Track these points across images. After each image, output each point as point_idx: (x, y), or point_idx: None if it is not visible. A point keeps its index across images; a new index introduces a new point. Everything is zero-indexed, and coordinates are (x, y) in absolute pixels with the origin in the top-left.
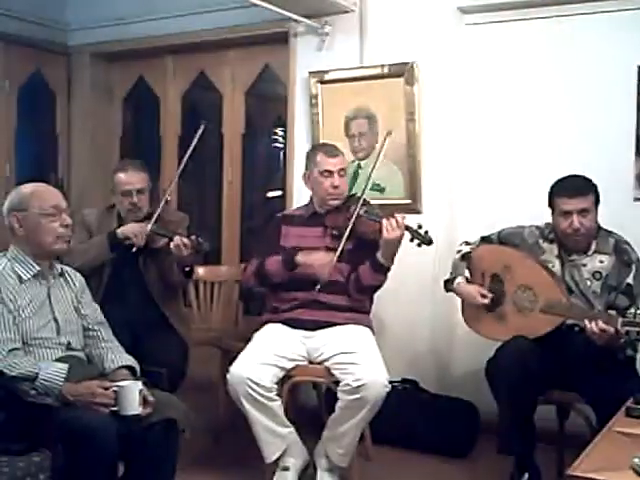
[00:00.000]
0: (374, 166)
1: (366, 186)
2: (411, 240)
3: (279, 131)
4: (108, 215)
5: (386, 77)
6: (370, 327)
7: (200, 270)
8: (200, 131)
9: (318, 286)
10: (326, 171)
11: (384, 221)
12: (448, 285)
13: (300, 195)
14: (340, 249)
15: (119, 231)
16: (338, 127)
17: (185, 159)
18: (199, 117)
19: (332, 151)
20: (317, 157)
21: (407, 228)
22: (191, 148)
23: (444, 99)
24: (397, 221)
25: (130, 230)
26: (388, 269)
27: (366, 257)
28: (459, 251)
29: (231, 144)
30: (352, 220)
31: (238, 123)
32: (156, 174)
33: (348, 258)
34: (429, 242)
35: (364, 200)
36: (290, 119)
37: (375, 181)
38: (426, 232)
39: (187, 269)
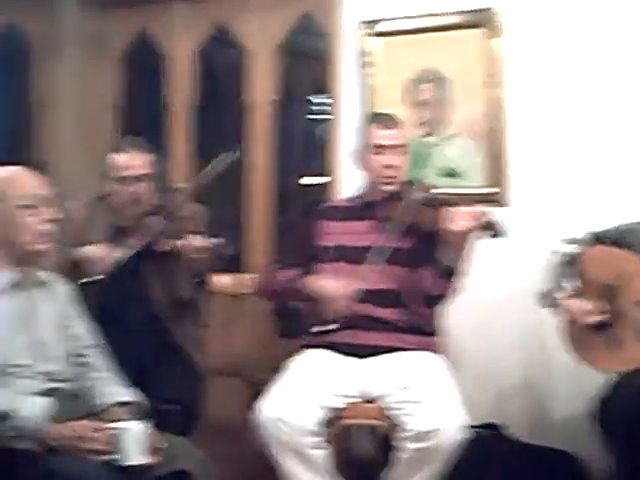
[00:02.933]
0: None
1: (425, 169)
2: (483, 229)
3: (320, 99)
4: (99, 208)
5: (460, 28)
6: (442, 354)
7: (219, 280)
8: (228, 161)
9: (332, 325)
10: (377, 146)
11: (443, 210)
12: (544, 299)
13: (349, 181)
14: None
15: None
16: (397, 94)
17: (200, 181)
18: (217, 81)
19: (387, 122)
20: (369, 129)
21: (476, 217)
22: (210, 175)
23: (535, 56)
24: (460, 210)
25: (91, 254)
26: (455, 272)
27: (427, 256)
28: (558, 252)
29: (259, 116)
30: (404, 209)
31: (267, 89)
32: (162, 155)
33: (405, 259)
34: (501, 231)
35: (423, 185)
36: (335, 84)
37: (446, 164)
38: (497, 220)
39: (199, 280)
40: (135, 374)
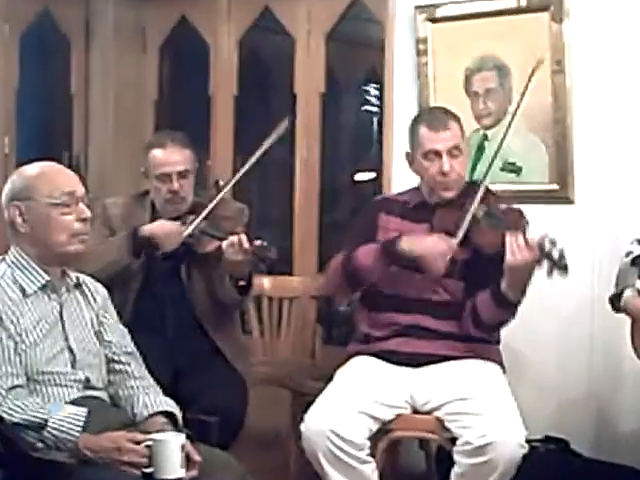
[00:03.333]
0: (504, 137)
1: (489, 168)
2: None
3: (373, 89)
4: (138, 206)
5: (524, 12)
6: (499, 363)
7: (263, 283)
8: (281, 129)
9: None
10: (431, 152)
11: (508, 237)
12: (613, 301)
13: (402, 177)
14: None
15: (144, 228)
16: (456, 83)
17: (253, 160)
18: (263, 71)
19: (439, 121)
20: (419, 131)
21: (540, 248)
22: (264, 148)
23: (605, 41)
24: (526, 238)
25: (159, 230)
26: (517, 304)
27: (487, 275)
28: (629, 253)
29: (306, 108)
30: (465, 223)
31: (316, 79)
32: (204, 150)
33: (461, 272)
34: (564, 268)
35: (486, 191)
36: (388, 73)
37: (508, 159)
38: (562, 255)
39: (242, 283)
40: (173, 382)
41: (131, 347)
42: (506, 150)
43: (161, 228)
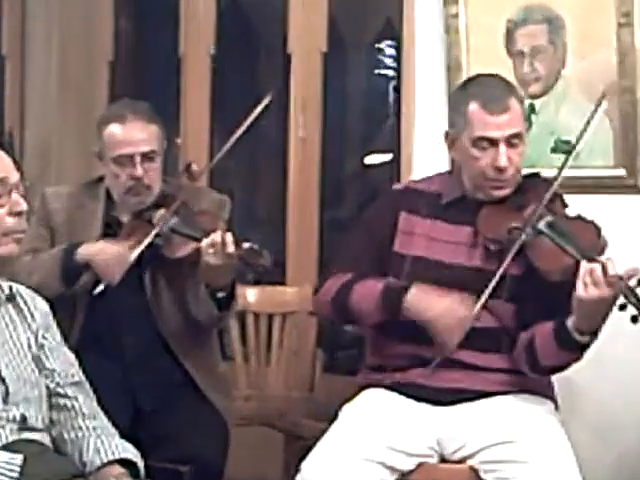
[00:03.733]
0: (575, 145)
1: (563, 166)
2: (620, 307)
3: (388, 48)
4: (88, 197)
5: None
6: (550, 397)
7: (248, 295)
8: (263, 104)
9: (433, 363)
10: (484, 139)
11: (583, 264)
12: None
13: (426, 160)
14: (495, 280)
15: (81, 253)
16: (494, 40)
17: (235, 136)
18: (247, 24)
19: (497, 100)
20: (468, 108)
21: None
22: (246, 124)
23: None
24: (605, 270)
25: (99, 256)
26: (587, 347)
27: (546, 300)
28: None
29: (304, 72)
30: (522, 237)
31: (316, 35)
32: (173, 126)
33: (512, 291)
34: None
35: (554, 196)
36: (408, 27)
37: (560, 136)
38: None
39: (222, 295)
40: (133, 422)
41: (79, 376)
42: (558, 125)
43: (102, 253)
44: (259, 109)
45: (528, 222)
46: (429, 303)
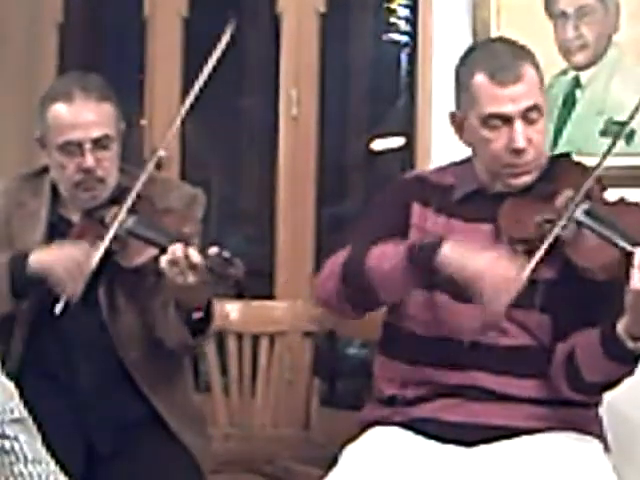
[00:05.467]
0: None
1: (610, 148)
2: None
3: (400, 8)
4: (30, 192)
5: None
6: (599, 436)
7: (229, 311)
8: (228, 34)
9: (473, 335)
10: (495, 117)
11: (636, 255)
12: None
13: (445, 146)
14: (548, 243)
15: (33, 261)
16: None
17: (198, 86)
18: None
19: (507, 67)
20: (474, 81)
21: None
22: (210, 66)
23: None
24: None
25: (56, 262)
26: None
27: (588, 308)
28: None
29: (297, 37)
30: (554, 230)
31: None
32: (135, 104)
33: (546, 300)
34: None
35: (594, 184)
36: None
37: (612, 116)
38: None
39: (198, 316)
40: (87, 467)
41: (20, 412)
42: (609, 102)
43: (60, 260)
44: (222, 44)
45: (562, 212)
46: (471, 255)
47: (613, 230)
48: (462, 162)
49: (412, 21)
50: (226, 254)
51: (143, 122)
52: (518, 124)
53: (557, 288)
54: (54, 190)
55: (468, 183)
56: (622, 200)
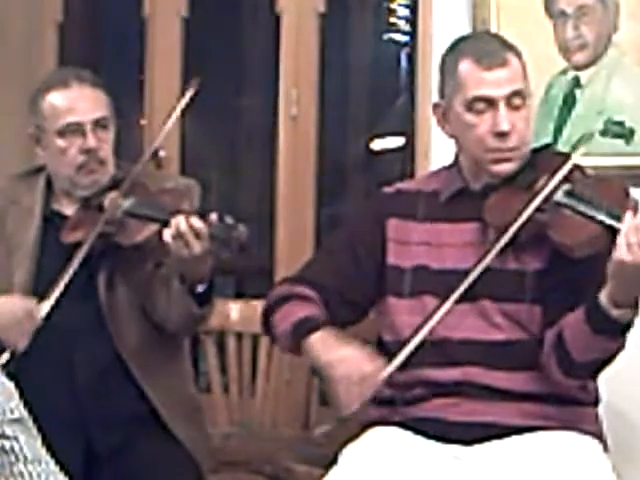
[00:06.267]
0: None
1: (583, 139)
2: None
3: (400, 8)
4: (25, 190)
5: None
6: (598, 436)
7: (229, 311)
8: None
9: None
10: (479, 99)
11: (627, 219)
12: None
13: (445, 145)
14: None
15: None
16: None
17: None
18: None
19: (491, 53)
20: (459, 67)
21: None
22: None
23: None
24: None
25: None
26: (627, 326)
27: (577, 294)
28: None
29: (296, 37)
30: (533, 205)
31: None
32: (135, 103)
33: (535, 290)
34: None
35: (575, 167)
36: None
37: (612, 116)
38: None
39: (202, 288)
40: (86, 466)
41: (20, 411)
42: (609, 102)
43: (2, 311)
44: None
45: (543, 197)
46: (329, 347)
47: (597, 208)
48: (445, 168)
49: (412, 21)
50: (228, 219)
51: (143, 122)
52: (502, 107)
53: (546, 278)
54: (49, 186)
55: (452, 184)
56: (600, 179)
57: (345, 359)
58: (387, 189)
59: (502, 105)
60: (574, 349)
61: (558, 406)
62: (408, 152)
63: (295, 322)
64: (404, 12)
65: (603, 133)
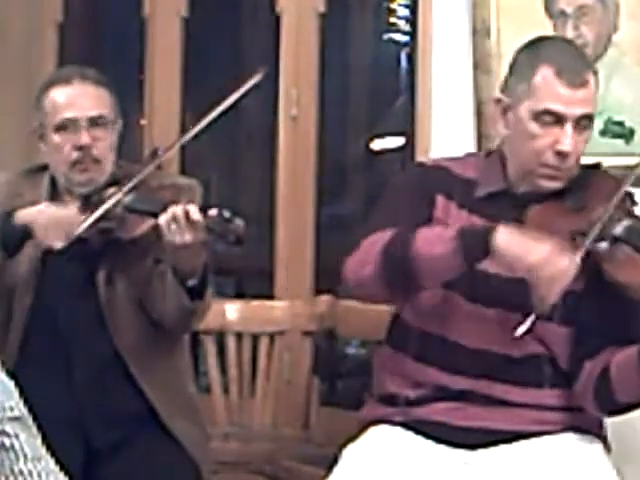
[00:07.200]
0: None
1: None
2: None
3: (400, 8)
4: (29, 185)
5: None
6: (601, 437)
7: (227, 310)
8: (252, 82)
9: (528, 321)
10: (551, 113)
11: None
12: None
13: (445, 145)
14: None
15: (19, 215)
16: None
17: (209, 118)
18: None
19: (575, 70)
20: (539, 73)
21: None
22: (226, 104)
23: None
24: None
25: (40, 216)
26: None
27: (614, 322)
28: None
29: (296, 37)
30: (586, 244)
31: None
32: (136, 104)
33: (567, 313)
34: None
35: (626, 195)
36: None
37: (612, 116)
38: None
39: (192, 283)
40: (85, 465)
41: (20, 410)
42: (609, 102)
43: (42, 214)
44: (245, 88)
45: (600, 227)
46: (527, 247)
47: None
48: (480, 155)
49: (412, 21)
50: (226, 214)
51: (143, 122)
52: (569, 127)
53: (583, 301)
54: (53, 184)
55: (493, 181)
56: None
57: (548, 259)
58: (427, 163)
59: (570, 125)
60: (620, 390)
61: (561, 411)
62: (408, 152)
63: (456, 236)
64: (404, 12)
65: (603, 133)
